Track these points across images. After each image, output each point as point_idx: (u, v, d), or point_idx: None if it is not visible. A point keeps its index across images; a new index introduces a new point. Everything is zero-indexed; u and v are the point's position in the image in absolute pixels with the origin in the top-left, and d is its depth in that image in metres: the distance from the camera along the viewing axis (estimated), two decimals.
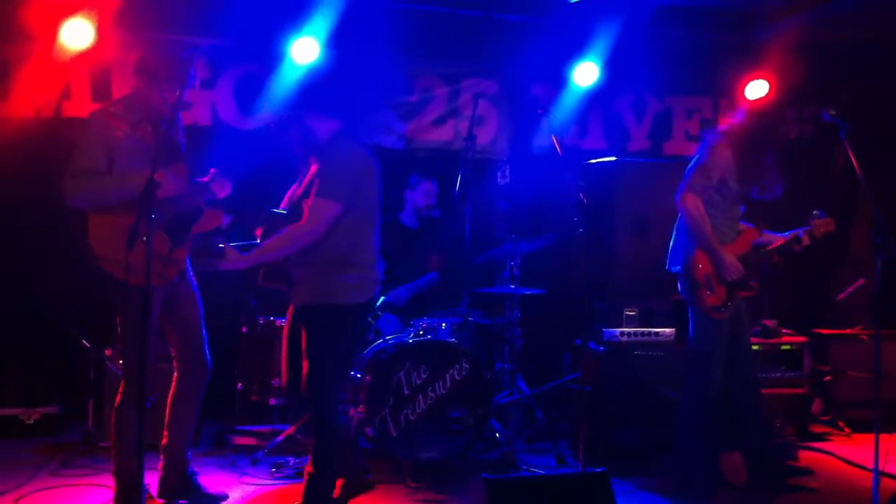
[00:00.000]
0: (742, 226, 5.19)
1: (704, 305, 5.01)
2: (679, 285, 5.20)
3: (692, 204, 4.93)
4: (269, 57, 6.71)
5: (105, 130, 4.26)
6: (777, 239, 5.20)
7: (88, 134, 4.32)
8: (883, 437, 4.45)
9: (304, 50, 6.59)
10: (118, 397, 4.42)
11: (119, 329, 4.35)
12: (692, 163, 5.09)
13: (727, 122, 5.18)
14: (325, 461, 4.40)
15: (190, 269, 4.61)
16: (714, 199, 4.99)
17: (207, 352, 4.66)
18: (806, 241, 5.15)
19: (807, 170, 7.23)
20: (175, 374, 4.67)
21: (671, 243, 5.27)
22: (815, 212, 5.18)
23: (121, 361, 5.76)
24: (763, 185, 5.08)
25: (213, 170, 4.57)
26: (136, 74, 4.44)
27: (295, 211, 4.43)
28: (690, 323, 5.15)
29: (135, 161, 4.22)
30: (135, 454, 3.92)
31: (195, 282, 4.67)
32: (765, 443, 5.26)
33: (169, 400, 4.64)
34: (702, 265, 4.99)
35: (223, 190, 4.57)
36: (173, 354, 4.67)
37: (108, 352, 5.92)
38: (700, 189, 4.94)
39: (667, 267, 5.26)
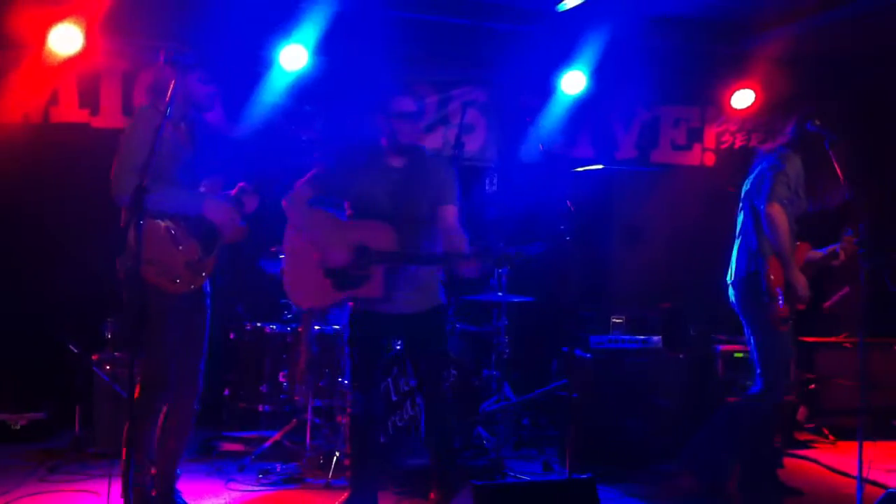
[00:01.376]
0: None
1: (775, 316, 4.93)
2: (737, 296, 5.13)
3: (778, 213, 4.87)
4: (258, 64, 6.72)
5: (151, 125, 4.03)
6: (818, 254, 5.22)
7: (139, 129, 4.15)
8: (867, 444, 4.47)
9: (293, 57, 6.61)
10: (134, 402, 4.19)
11: (146, 335, 4.19)
12: (762, 171, 5.02)
13: (787, 135, 5.15)
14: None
15: (207, 282, 4.47)
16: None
17: (203, 368, 4.48)
18: (842, 256, 5.18)
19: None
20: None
21: (734, 254, 5.19)
22: (846, 229, 5.19)
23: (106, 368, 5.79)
24: (827, 196, 5.09)
25: (241, 183, 4.52)
26: (168, 67, 4.20)
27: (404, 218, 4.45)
28: (755, 341, 5.05)
29: (175, 166, 4.20)
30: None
31: (209, 296, 4.52)
32: (760, 451, 5.26)
33: (163, 412, 4.43)
34: (774, 276, 4.93)
35: (252, 204, 4.52)
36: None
37: (95, 357, 5.91)
38: (786, 200, 4.91)
39: (728, 278, 5.20)
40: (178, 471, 4.55)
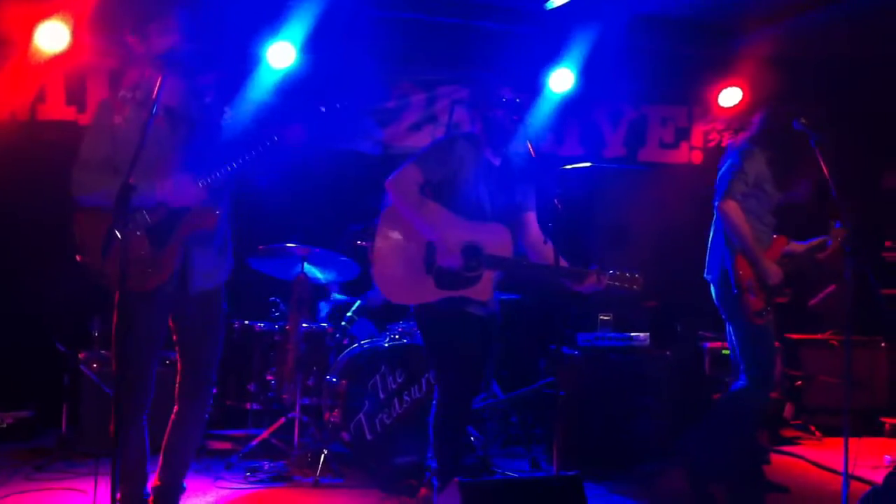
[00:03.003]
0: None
1: (749, 311, 4.95)
2: (714, 293, 5.16)
3: (733, 209, 4.92)
4: (246, 61, 6.71)
5: (106, 117, 3.87)
6: (802, 246, 5.23)
7: (92, 122, 3.96)
8: (853, 441, 4.50)
9: (281, 54, 6.61)
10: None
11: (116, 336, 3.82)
12: (724, 170, 5.06)
13: (753, 130, 5.17)
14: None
15: (223, 292, 4.20)
16: (750, 206, 4.99)
17: (213, 379, 4.23)
18: (831, 248, 5.17)
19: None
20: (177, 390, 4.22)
21: (708, 251, 5.23)
22: (835, 222, 5.20)
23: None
24: (795, 189, 5.10)
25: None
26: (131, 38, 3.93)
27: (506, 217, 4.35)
28: (736, 337, 5.08)
29: (139, 152, 3.45)
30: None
31: (224, 305, 4.26)
32: (744, 448, 5.27)
33: (171, 419, 4.20)
34: (742, 271, 4.95)
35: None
36: (178, 375, 4.20)
37: (82, 355, 5.90)
38: (740, 195, 4.95)
39: (704, 275, 5.23)
40: (184, 485, 4.30)
